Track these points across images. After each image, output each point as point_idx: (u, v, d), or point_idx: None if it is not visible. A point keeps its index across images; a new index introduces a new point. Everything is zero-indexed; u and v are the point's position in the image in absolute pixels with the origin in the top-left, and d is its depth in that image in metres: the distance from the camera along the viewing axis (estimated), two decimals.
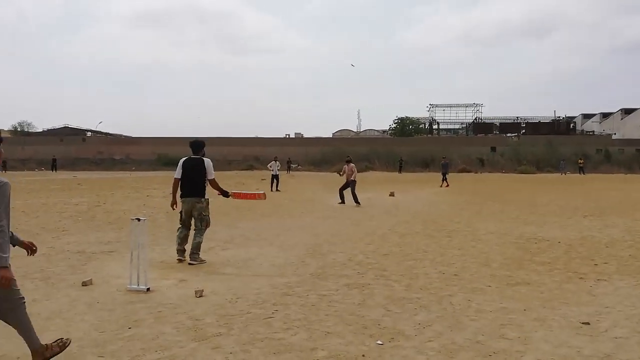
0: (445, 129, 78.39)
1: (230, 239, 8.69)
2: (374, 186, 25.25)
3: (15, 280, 3.29)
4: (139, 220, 5.38)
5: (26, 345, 3.42)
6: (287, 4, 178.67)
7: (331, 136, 73.14)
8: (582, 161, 43.51)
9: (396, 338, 3.92)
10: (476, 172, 46.23)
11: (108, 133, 74.46)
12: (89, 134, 70.24)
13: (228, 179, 26.18)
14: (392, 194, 18.92)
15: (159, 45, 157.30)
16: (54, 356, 3.42)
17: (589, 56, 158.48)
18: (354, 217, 12.21)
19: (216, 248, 7.74)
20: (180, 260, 6.73)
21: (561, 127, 66.50)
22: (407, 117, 72.12)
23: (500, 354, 3.61)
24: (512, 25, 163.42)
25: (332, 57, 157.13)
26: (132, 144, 62.11)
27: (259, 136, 63.64)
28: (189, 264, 6.61)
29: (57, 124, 70.12)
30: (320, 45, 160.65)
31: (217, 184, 6.89)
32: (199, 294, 5.09)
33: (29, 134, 69.53)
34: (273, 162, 23.14)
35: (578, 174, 41.27)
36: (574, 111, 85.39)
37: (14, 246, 3.38)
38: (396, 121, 71.97)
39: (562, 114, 75.62)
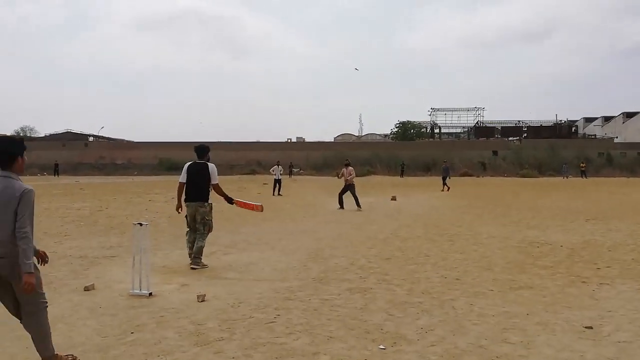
0: (446, 133, 78.44)
1: (232, 243, 8.70)
2: (376, 190, 25.25)
3: (41, 283, 3.36)
4: (141, 225, 5.39)
5: (34, 350, 3.43)
6: (289, 8, 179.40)
7: (333, 140, 73.19)
8: (584, 165, 43.47)
9: (398, 342, 3.91)
10: (478, 176, 46.21)
11: (110, 138, 74.69)
12: (91, 138, 70.47)
13: (230, 184, 26.21)
14: (394, 198, 18.91)
15: (161, 49, 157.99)
16: None
17: (590, 59, 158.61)
18: (355, 221, 12.21)
19: (218, 252, 7.74)
20: (194, 269, 6.75)
21: (563, 130, 66.48)
22: (408, 121, 72.24)
23: (503, 358, 3.61)
24: (514, 28, 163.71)
25: (334, 61, 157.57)
26: (134, 148, 62.31)
27: (260, 141, 63.77)
28: (191, 268, 6.62)
29: (60, 129, 70.44)
30: (321, 49, 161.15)
31: (220, 189, 6.90)
32: (201, 298, 5.09)
33: (31, 139, 69.67)
34: (276, 166, 23.16)
35: (580, 178, 41.21)
36: (576, 115, 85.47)
37: None
38: (398, 125, 72.12)
39: (563, 117, 75.70)
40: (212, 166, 6.87)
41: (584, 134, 73.75)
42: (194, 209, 6.77)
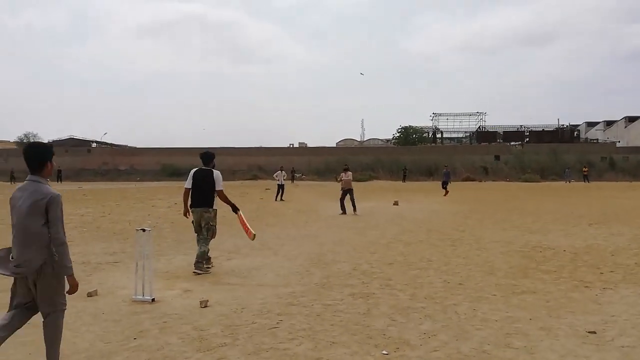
0: (448, 138, 78.40)
1: (235, 248, 8.70)
2: (378, 195, 25.24)
3: (63, 286, 3.43)
4: (144, 230, 5.41)
5: (37, 357, 3.45)
6: (291, 14, 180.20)
7: (335, 146, 73.25)
8: (586, 169, 43.37)
9: (401, 348, 3.91)
10: (480, 181, 46.16)
11: (113, 144, 74.89)
12: (94, 145, 70.66)
13: (232, 189, 26.25)
14: (396, 203, 18.91)
15: (163, 54, 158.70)
16: None
17: (592, 64, 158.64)
18: (358, 226, 12.21)
19: (221, 258, 7.75)
20: (207, 268, 6.87)
21: (565, 135, 66.34)
22: (410, 126, 72.21)
23: None
24: (515, 32, 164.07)
25: (336, 67, 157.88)
26: (137, 154, 62.46)
27: (263, 146, 63.81)
28: (194, 272, 6.66)
29: (62, 135, 70.57)
30: (323, 54, 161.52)
31: (225, 196, 6.93)
32: (204, 304, 5.10)
33: None
34: (279, 171, 23.19)
35: (582, 182, 41.12)
36: (578, 119, 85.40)
37: None
38: (400, 130, 72.06)
39: (565, 122, 75.56)
40: (216, 173, 6.93)
41: (586, 138, 73.61)
42: (199, 215, 6.84)
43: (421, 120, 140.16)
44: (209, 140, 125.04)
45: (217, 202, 6.97)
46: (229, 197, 7.02)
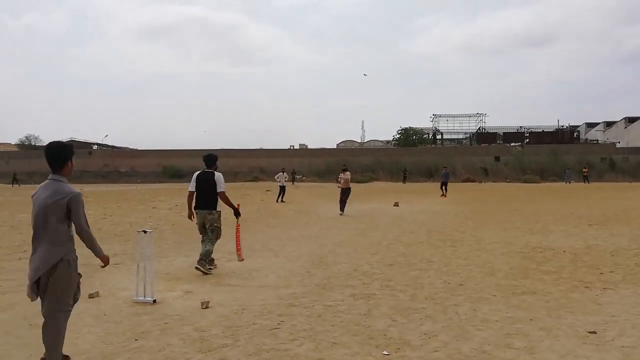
0: (449, 139, 78.42)
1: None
2: (379, 196, 25.25)
3: (72, 287, 3.50)
4: (145, 232, 5.42)
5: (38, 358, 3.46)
6: (291, 15, 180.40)
7: (335, 147, 73.29)
8: (586, 170, 43.35)
9: (402, 348, 3.93)
10: (480, 182, 46.15)
11: (114, 146, 74.95)
12: (94, 147, 70.72)
13: (234, 191, 26.26)
14: (396, 204, 18.92)
15: (164, 56, 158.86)
16: None
17: (592, 65, 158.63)
18: (358, 227, 12.21)
19: (222, 259, 7.76)
20: (209, 269, 6.91)
21: (565, 136, 66.32)
22: (410, 127, 72.25)
23: None
24: (515, 34, 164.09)
25: (337, 68, 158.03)
26: (138, 156, 62.51)
27: (263, 147, 63.86)
28: (195, 267, 6.73)
29: (64, 137, 70.64)
30: (323, 56, 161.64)
31: (226, 197, 6.94)
32: (205, 305, 5.11)
33: (35, 147, 70.07)
34: (280, 173, 23.27)
35: (582, 183, 41.11)
36: (578, 120, 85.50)
37: None
38: (400, 132, 72.11)
39: (565, 123, 75.64)
40: (218, 175, 6.99)
41: (586, 139, 73.62)
42: (203, 217, 6.93)
43: (421, 121, 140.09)
44: (209, 141, 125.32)
45: (221, 204, 7.01)
46: (230, 199, 7.04)
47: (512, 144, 62.50)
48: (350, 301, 5.35)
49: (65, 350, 3.60)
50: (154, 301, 5.27)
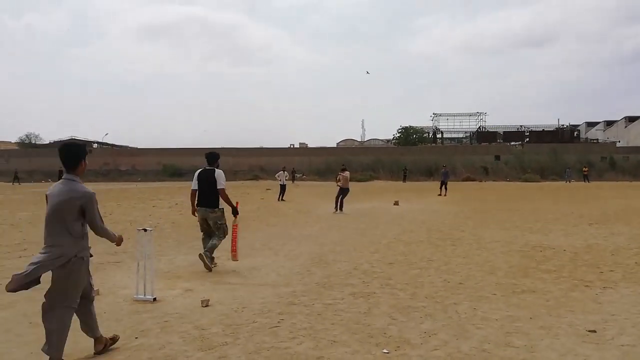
0: (449, 138, 78.41)
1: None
2: (379, 195, 25.25)
3: (82, 284, 3.61)
4: (145, 230, 5.42)
5: (38, 356, 3.47)
6: (291, 15, 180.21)
7: (335, 146, 73.26)
8: (586, 169, 43.36)
9: (402, 347, 3.93)
10: (480, 181, 46.16)
11: (114, 144, 74.93)
12: (95, 145, 70.71)
13: (234, 189, 26.25)
14: (396, 203, 18.92)
15: (164, 55, 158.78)
16: None
17: (592, 64, 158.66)
18: (358, 226, 12.21)
19: (222, 258, 7.76)
20: (210, 269, 6.94)
21: (565, 135, 66.30)
22: (411, 126, 72.25)
23: None
24: (516, 34, 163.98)
25: (336, 67, 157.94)
26: (138, 155, 62.51)
27: (263, 146, 63.82)
28: (199, 254, 6.85)
29: (64, 136, 70.63)
30: (323, 55, 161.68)
31: (226, 195, 6.97)
32: (205, 303, 5.11)
33: (36, 145, 70.07)
34: (281, 172, 23.30)
35: (583, 182, 41.11)
36: (578, 119, 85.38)
37: None
38: (400, 130, 72.08)
39: (565, 122, 75.64)
40: (218, 172, 7.03)
41: (586, 138, 73.61)
42: (205, 214, 6.99)
43: (421, 120, 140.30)
44: (210, 140, 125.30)
45: (223, 202, 7.04)
46: (230, 197, 7.06)
47: (513, 143, 62.47)
48: (350, 300, 5.35)
49: (66, 349, 3.61)
50: (154, 299, 5.27)
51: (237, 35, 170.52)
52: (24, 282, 3.39)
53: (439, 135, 75.38)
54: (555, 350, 3.82)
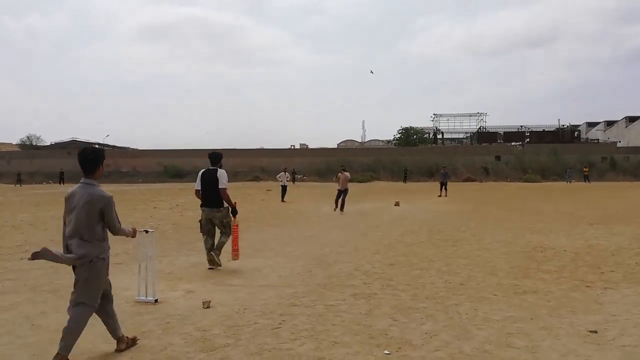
0: (449, 139, 78.39)
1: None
2: (379, 196, 25.25)
3: (103, 284, 3.76)
4: (146, 232, 5.43)
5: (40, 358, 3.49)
6: (291, 16, 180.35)
7: (336, 147, 73.26)
8: (587, 169, 43.33)
9: (403, 348, 3.93)
10: (481, 181, 46.14)
11: (115, 146, 74.97)
12: (96, 147, 70.73)
13: (235, 190, 26.21)
14: (397, 204, 18.93)
15: (165, 57, 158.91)
16: None
17: (593, 64, 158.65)
18: (359, 227, 12.22)
19: (223, 259, 7.76)
20: (211, 269, 7.06)
21: (565, 135, 66.25)
22: (411, 127, 72.20)
23: None
24: (516, 34, 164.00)
25: (336, 68, 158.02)
26: (139, 156, 62.54)
27: (264, 147, 63.84)
28: (210, 253, 7.03)
29: (65, 137, 70.77)
30: (323, 56, 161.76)
31: (227, 195, 7.10)
32: (207, 305, 5.12)
33: (37, 147, 70.12)
34: (282, 173, 23.34)
35: (583, 182, 41.09)
36: (579, 119, 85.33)
37: None
38: (400, 131, 72.05)
39: (566, 122, 75.55)
40: (221, 171, 7.14)
41: (587, 138, 73.55)
42: (211, 214, 7.12)
43: (422, 121, 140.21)
44: (210, 142, 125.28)
45: None
46: (231, 197, 7.13)
47: (513, 144, 62.44)
48: (351, 301, 5.36)
49: None
50: (156, 301, 5.28)
51: (237, 36, 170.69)
52: (47, 259, 3.48)
53: (439, 136, 75.32)
54: (556, 351, 3.83)
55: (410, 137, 70.55)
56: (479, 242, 9.48)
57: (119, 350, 3.88)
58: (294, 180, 41.76)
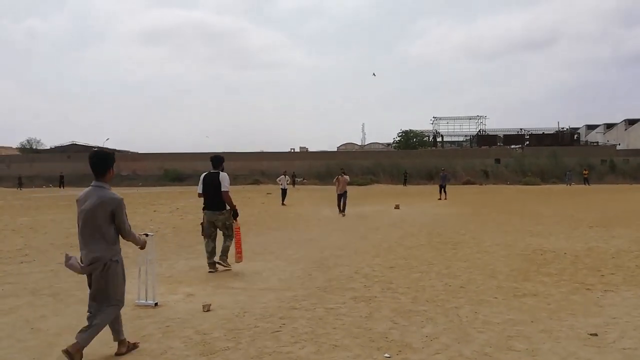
0: (449, 142, 78.46)
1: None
2: (379, 199, 25.25)
3: (122, 283, 3.88)
4: (146, 235, 5.43)
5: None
6: (291, 19, 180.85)
7: (336, 150, 73.30)
8: (586, 172, 43.36)
9: (403, 351, 3.93)
10: (481, 184, 46.16)
11: (115, 149, 75.01)
12: (106, 150, 70.76)
13: (235, 194, 26.18)
14: (397, 207, 18.94)
15: (165, 61, 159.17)
16: None
17: (592, 67, 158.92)
18: (359, 230, 12.22)
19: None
20: (211, 272, 7.08)
21: (565, 138, 66.28)
22: (411, 130, 72.22)
23: None
24: (516, 36, 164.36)
25: (336, 71, 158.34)
26: (139, 160, 62.49)
27: (264, 150, 63.87)
28: (217, 263, 7.09)
29: (65, 141, 70.79)
30: (323, 59, 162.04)
31: (229, 197, 7.18)
32: (207, 308, 5.12)
33: (37, 151, 70.13)
34: (282, 176, 23.37)
35: (583, 185, 41.10)
36: (578, 122, 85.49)
37: None
38: (400, 134, 72.09)
39: (565, 125, 75.64)
40: (223, 174, 7.23)
41: (586, 141, 73.58)
42: (214, 217, 7.19)
43: (422, 124, 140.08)
44: (210, 145, 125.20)
45: None
46: (233, 200, 7.20)
47: (513, 146, 62.45)
48: (351, 304, 5.36)
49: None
50: (156, 304, 5.28)
51: (237, 39, 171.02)
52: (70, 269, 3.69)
53: (439, 139, 75.38)
54: (556, 354, 3.83)
55: (410, 140, 70.58)
56: (479, 245, 9.48)
57: (119, 354, 3.89)
58: (293, 183, 41.77)
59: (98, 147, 71.78)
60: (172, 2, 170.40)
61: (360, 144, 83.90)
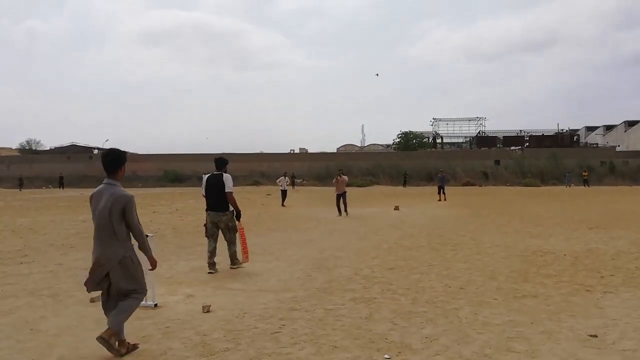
0: (449, 143, 78.50)
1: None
2: (379, 200, 25.25)
3: (142, 273, 4.01)
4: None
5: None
6: (291, 19, 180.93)
7: (335, 151, 73.30)
8: (586, 173, 43.39)
9: (403, 352, 3.93)
10: (480, 186, 46.16)
11: None
12: (95, 151, 70.77)
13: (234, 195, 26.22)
14: (397, 208, 18.94)
15: (165, 62, 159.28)
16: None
17: (591, 69, 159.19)
18: (359, 231, 12.22)
19: (222, 263, 7.76)
20: (211, 273, 7.09)
21: (565, 139, 66.34)
22: (410, 131, 72.31)
23: None
24: (515, 38, 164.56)
25: (336, 72, 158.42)
26: (139, 160, 62.35)
27: (264, 152, 63.90)
28: (231, 268, 7.23)
29: (64, 142, 70.80)
30: (323, 61, 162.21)
31: (233, 199, 7.25)
32: (206, 309, 5.12)
33: (37, 152, 70.13)
34: (282, 177, 23.39)
35: (582, 187, 41.12)
36: (578, 124, 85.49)
37: None
38: (400, 136, 72.17)
39: (565, 126, 75.81)
40: (226, 176, 7.32)
41: (586, 142, 73.62)
42: (217, 219, 7.24)
43: (421, 125, 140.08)
44: (210, 146, 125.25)
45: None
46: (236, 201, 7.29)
47: (512, 148, 62.50)
48: (351, 305, 5.35)
49: (67, 355, 3.63)
50: (156, 305, 5.28)
51: (237, 40, 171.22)
52: (95, 283, 3.80)
53: (438, 140, 75.44)
54: (556, 355, 3.83)
55: (409, 142, 70.64)
56: (479, 246, 9.48)
57: (119, 355, 3.88)
58: (293, 184, 41.78)
59: (97, 148, 71.94)
60: (172, 2, 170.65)
61: (360, 145, 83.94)
